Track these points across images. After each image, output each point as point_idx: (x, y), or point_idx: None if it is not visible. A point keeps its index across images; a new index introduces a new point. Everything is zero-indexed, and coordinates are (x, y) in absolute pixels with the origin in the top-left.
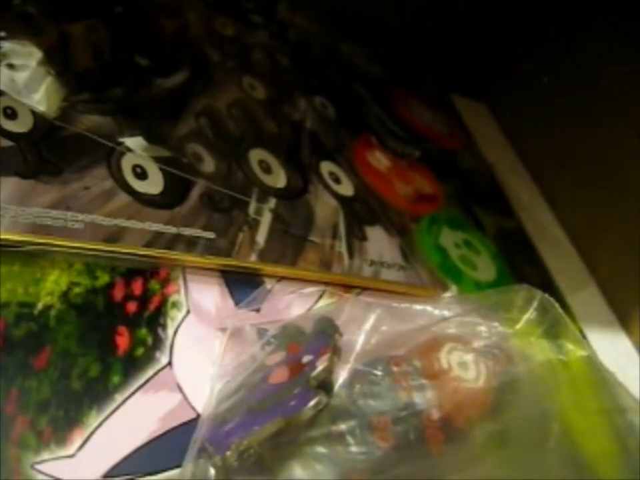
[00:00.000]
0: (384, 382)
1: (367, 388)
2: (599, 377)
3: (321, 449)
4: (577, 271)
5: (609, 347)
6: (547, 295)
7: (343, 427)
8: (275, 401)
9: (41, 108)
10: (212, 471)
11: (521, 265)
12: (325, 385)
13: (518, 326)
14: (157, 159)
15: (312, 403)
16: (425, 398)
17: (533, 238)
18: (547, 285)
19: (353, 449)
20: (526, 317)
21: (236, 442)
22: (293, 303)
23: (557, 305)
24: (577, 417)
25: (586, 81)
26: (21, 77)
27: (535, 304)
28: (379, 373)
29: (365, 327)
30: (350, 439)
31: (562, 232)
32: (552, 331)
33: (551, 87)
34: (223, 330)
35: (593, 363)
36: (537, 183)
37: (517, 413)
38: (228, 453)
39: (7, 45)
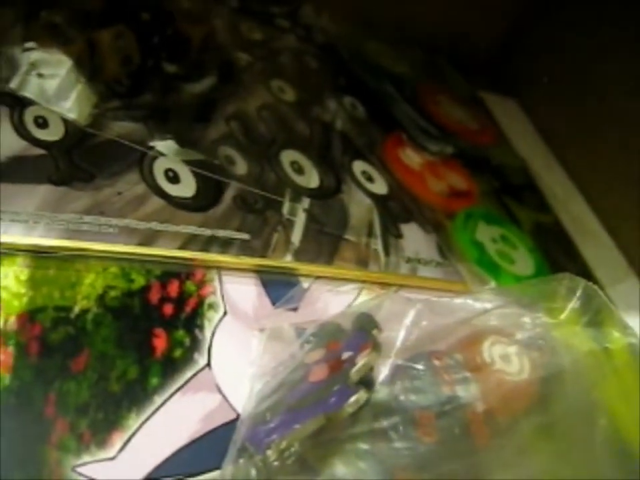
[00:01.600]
0: (426, 376)
1: (409, 383)
2: None
3: (363, 446)
4: (615, 262)
5: None
6: (590, 283)
7: (385, 423)
8: (315, 399)
9: (72, 115)
10: (253, 471)
11: (559, 259)
12: (365, 381)
13: (562, 316)
14: (189, 162)
15: (352, 399)
16: (468, 391)
17: (569, 231)
18: (586, 277)
19: (397, 444)
20: (570, 306)
21: (276, 441)
22: (331, 302)
23: (601, 292)
24: (623, 407)
25: (617, 70)
26: (51, 85)
27: (578, 293)
28: (420, 367)
29: (405, 322)
30: (393, 435)
31: (599, 224)
32: (596, 320)
33: (581, 79)
34: (261, 330)
35: (639, 351)
36: (571, 177)
37: (563, 405)
38: (269, 452)
39: (36, 55)
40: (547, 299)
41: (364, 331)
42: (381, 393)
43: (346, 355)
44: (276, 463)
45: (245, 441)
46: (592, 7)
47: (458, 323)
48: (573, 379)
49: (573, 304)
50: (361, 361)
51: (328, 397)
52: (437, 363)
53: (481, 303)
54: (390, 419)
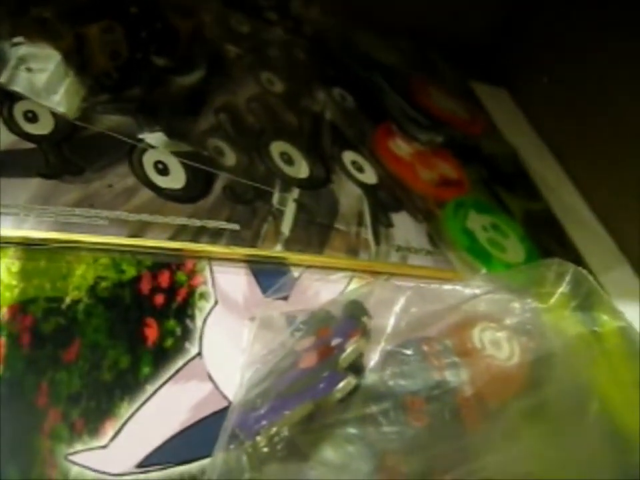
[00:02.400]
0: (415, 361)
1: (398, 368)
2: (634, 349)
3: (352, 430)
4: (607, 250)
5: None
6: (580, 268)
7: (374, 408)
8: (305, 385)
9: (61, 109)
10: (243, 457)
11: (550, 247)
12: (354, 367)
13: (551, 300)
14: (178, 154)
15: (341, 384)
16: (457, 376)
17: (561, 219)
18: (578, 265)
19: (386, 429)
20: (559, 291)
21: (266, 427)
22: (321, 290)
23: (590, 277)
24: (613, 390)
25: (606, 59)
26: (40, 79)
27: (567, 277)
28: (409, 352)
29: (394, 308)
30: (382, 420)
31: (590, 212)
32: (586, 304)
33: (571, 68)
34: (252, 319)
35: (628, 334)
36: (562, 165)
37: (553, 388)
38: (258, 438)
39: (25, 49)
40: (536, 284)
41: (353, 318)
42: (370, 378)
43: (335, 342)
44: (266, 449)
45: (235, 427)
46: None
47: (448, 310)
48: (563, 363)
49: (562, 288)
50: (349, 347)
51: (317, 383)
52: (426, 348)
53: (470, 289)
54: (379, 404)
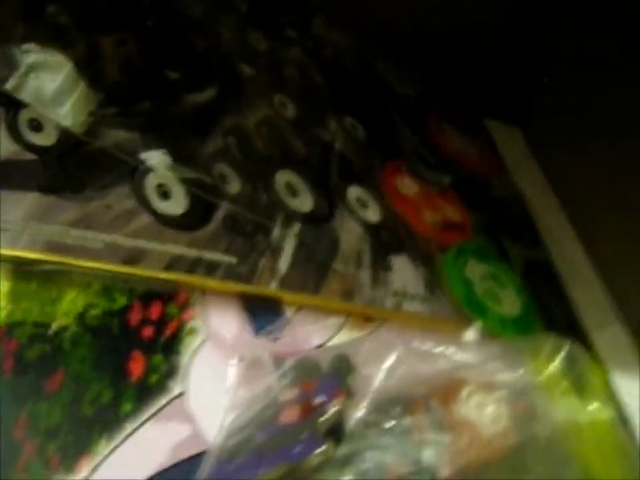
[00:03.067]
0: (394, 433)
1: (376, 439)
2: (624, 444)
3: None
4: (604, 308)
5: (633, 387)
6: (576, 345)
7: (346, 478)
8: (282, 444)
9: (67, 122)
10: None
11: (547, 300)
12: (334, 431)
13: (543, 376)
14: (182, 179)
15: (317, 451)
16: (435, 454)
17: (560, 271)
18: (572, 321)
19: None
20: (552, 367)
21: None
22: (312, 333)
23: (586, 356)
24: None
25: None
26: (48, 89)
27: (562, 354)
28: (391, 423)
29: (383, 366)
30: None
31: (591, 267)
32: (579, 384)
33: (589, 117)
34: (240, 359)
35: (618, 428)
36: (568, 215)
37: (536, 475)
38: None
39: (35, 57)
40: (530, 358)
41: (339, 375)
42: (349, 446)
43: (319, 400)
44: None
45: (209, 477)
46: (603, 42)
47: (437, 374)
48: (548, 447)
49: (556, 365)
50: (331, 409)
51: (294, 445)
52: (408, 419)
53: (461, 355)
54: (353, 474)
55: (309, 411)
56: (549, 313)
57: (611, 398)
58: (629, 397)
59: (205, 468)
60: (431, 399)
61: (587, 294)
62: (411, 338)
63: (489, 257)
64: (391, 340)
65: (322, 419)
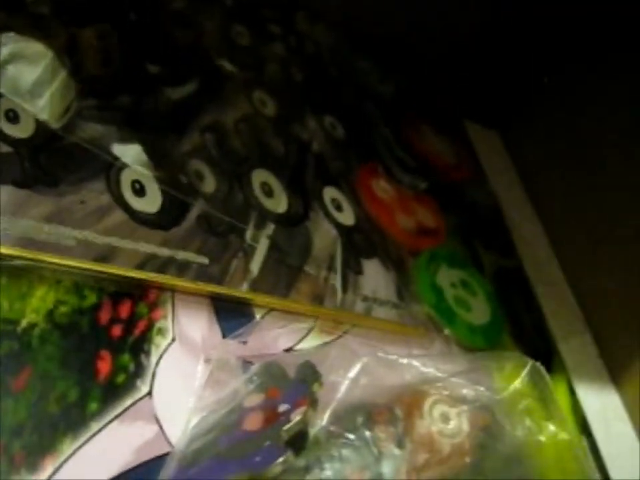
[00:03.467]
0: (354, 446)
1: (337, 450)
2: (583, 462)
3: None
4: (572, 316)
5: (596, 398)
6: (538, 364)
7: None
8: (243, 452)
9: (44, 115)
10: None
11: (517, 307)
12: (295, 440)
13: (505, 393)
14: (157, 177)
15: (278, 460)
16: (393, 468)
17: (531, 278)
18: (540, 328)
19: None
20: (514, 385)
21: None
22: (281, 337)
23: (547, 376)
24: None
25: (602, 121)
26: (26, 81)
27: (524, 372)
28: (351, 436)
29: (348, 374)
30: None
31: (561, 275)
32: (540, 403)
33: (568, 124)
34: (207, 360)
35: (574, 448)
36: (542, 221)
37: None
38: None
39: (14, 47)
40: (494, 374)
41: (305, 384)
42: (310, 455)
43: (283, 408)
44: None
45: None
46: (585, 47)
47: (401, 386)
48: (507, 464)
49: (517, 384)
50: (294, 418)
51: (256, 453)
52: (369, 433)
53: (427, 368)
54: None
55: (273, 419)
56: (518, 320)
57: (566, 421)
58: (590, 409)
59: (167, 471)
60: (395, 406)
61: (557, 303)
62: (378, 346)
63: (461, 263)
64: (358, 348)
65: (285, 427)
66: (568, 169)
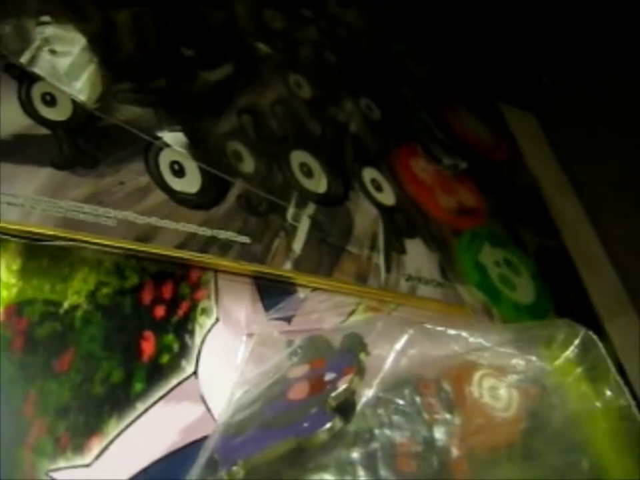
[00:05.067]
0: (406, 412)
1: (387, 417)
2: (636, 431)
3: (329, 477)
4: (617, 296)
5: None
6: (590, 332)
7: (355, 455)
8: (290, 419)
9: (81, 97)
10: None
11: (561, 287)
12: (343, 408)
13: (557, 363)
14: (196, 157)
15: (326, 426)
16: (446, 433)
17: (574, 258)
18: (586, 309)
19: None
20: (566, 354)
21: (244, 457)
22: (326, 315)
23: (600, 344)
24: (613, 474)
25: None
26: (63, 63)
27: (576, 341)
28: (401, 401)
29: (395, 346)
30: (360, 470)
31: (604, 254)
32: (592, 373)
33: (604, 102)
34: (250, 335)
35: (632, 415)
36: (582, 201)
37: (547, 461)
38: (234, 468)
39: (50, 30)
40: (544, 344)
41: (351, 352)
42: (357, 423)
43: (329, 376)
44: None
45: (214, 451)
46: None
47: (449, 356)
48: (560, 433)
49: (569, 353)
50: (342, 386)
51: (302, 420)
52: (419, 399)
53: (475, 338)
54: (361, 451)
55: (319, 388)
56: (562, 300)
57: (623, 385)
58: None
59: (212, 441)
60: (443, 380)
61: (601, 281)
62: (424, 320)
63: (504, 242)
64: (404, 321)
65: (332, 395)
66: (605, 148)
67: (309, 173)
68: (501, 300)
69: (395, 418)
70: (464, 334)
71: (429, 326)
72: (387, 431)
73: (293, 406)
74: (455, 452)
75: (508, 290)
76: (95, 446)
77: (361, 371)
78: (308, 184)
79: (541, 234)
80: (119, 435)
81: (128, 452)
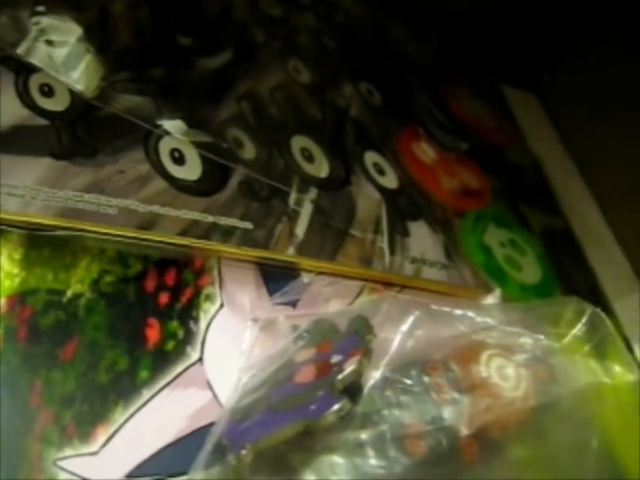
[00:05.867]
0: (413, 392)
1: (395, 398)
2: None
3: (339, 460)
4: (624, 275)
5: None
6: (598, 310)
7: (364, 436)
8: (297, 402)
9: (79, 86)
10: (225, 469)
11: (567, 267)
12: (351, 390)
13: (565, 341)
14: (196, 144)
15: (334, 408)
16: (456, 413)
17: (580, 238)
18: (592, 288)
19: (372, 461)
20: (574, 331)
21: (252, 441)
22: (331, 298)
23: (607, 321)
24: (620, 448)
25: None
26: (60, 53)
27: (584, 319)
28: (409, 381)
29: (401, 328)
30: (370, 451)
31: (610, 233)
32: (600, 349)
33: (606, 80)
34: (255, 320)
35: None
36: (586, 181)
37: (557, 438)
38: (243, 452)
39: (46, 20)
40: (551, 322)
41: (357, 335)
42: (365, 404)
43: (335, 359)
44: (249, 464)
45: (221, 436)
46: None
47: (456, 336)
48: (570, 410)
49: (577, 330)
50: (348, 368)
51: (310, 403)
52: (427, 379)
53: (482, 318)
54: (369, 432)
55: (325, 370)
56: (569, 280)
57: (632, 362)
58: None
59: (219, 425)
60: (450, 361)
61: (607, 260)
62: (429, 303)
63: (508, 223)
64: (410, 302)
65: (339, 377)
66: (609, 127)
67: (309, 158)
68: (506, 281)
69: (403, 398)
70: (470, 314)
71: (434, 307)
72: (396, 412)
73: (300, 389)
74: (464, 431)
75: (514, 270)
76: (102, 434)
77: (368, 353)
78: (309, 169)
79: (546, 215)
80: (125, 422)
81: (135, 439)
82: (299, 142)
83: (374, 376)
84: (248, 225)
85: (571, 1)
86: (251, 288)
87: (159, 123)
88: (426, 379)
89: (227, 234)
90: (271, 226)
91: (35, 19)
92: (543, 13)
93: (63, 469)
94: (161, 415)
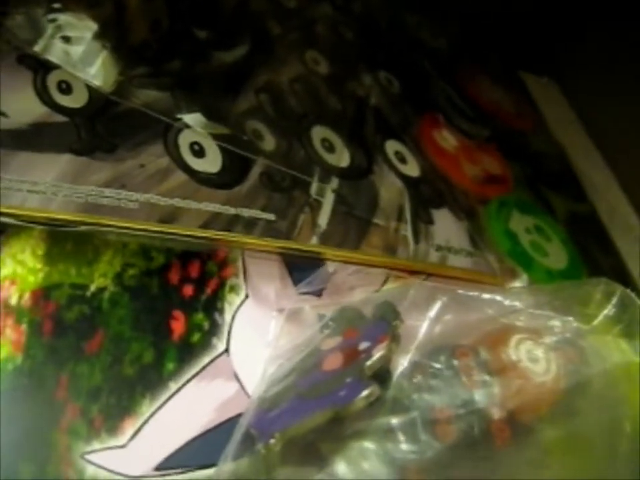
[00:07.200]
0: (444, 376)
1: (425, 382)
2: None
3: (370, 445)
4: None
5: None
6: (628, 290)
7: (394, 421)
8: (326, 390)
9: (97, 82)
10: (256, 459)
11: (594, 252)
12: (380, 375)
13: (595, 322)
14: (216, 136)
15: (363, 394)
16: (487, 396)
17: (606, 223)
18: (620, 273)
19: (404, 446)
20: (604, 313)
21: (281, 430)
22: (356, 287)
23: (638, 301)
24: None
25: None
26: (76, 50)
27: (614, 300)
28: (439, 365)
29: (429, 314)
30: (402, 436)
31: (636, 218)
32: (631, 330)
33: (627, 65)
34: (280, 310)
35: None
36: (611, 166)
37: (587, 419)
38: (272, 441)
39: (62, 17)
40: (580, 304)
41: (384, 321)
42: (395, 389)
43: (363, 346)
44: (279, 453)
45: (250, 426)
46: None
47: (485, 320)
48: (600, 393)
49: (607, 311)
50: (377, 354)
51: (339, 390)
52: (457, 362)
53: (510, 301)
54: (400, 417)
55: (353, 357)
56: (595, 265)
57: None
58: None
59: (247, 415)
60: (479, 346)
61: (634, 245)
62: (455, 288)
63: (533, 209)
64: (436, 288)
65: (367, 362)
66: (631, 111)
67: (330, 148)
68: (533, 266)
69: (433, 383)
70: (498, 297)
71: (461, 291)
72: (426, 396)
73: (328, 376)
74: (495, 415)
75: (540, 256)
76: (129, 427)
77: (396, 338)
78: (330, 159)
79: (570, 200)
80: (152, 415)
81: (162, 432)
82: (319, 133)
83: (402, 362)
84: (270, 216)
85: None
86: (275, 278)
87: (178, 116)
88: (455, 362)
89: (249, 225)
90: (293, 216)
91: (51, 16)
92: None
93: (90, 462)
94: (188, 407)
